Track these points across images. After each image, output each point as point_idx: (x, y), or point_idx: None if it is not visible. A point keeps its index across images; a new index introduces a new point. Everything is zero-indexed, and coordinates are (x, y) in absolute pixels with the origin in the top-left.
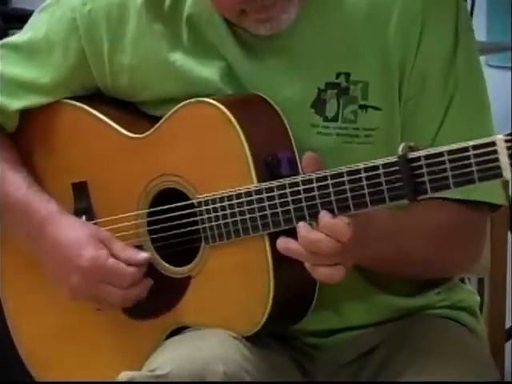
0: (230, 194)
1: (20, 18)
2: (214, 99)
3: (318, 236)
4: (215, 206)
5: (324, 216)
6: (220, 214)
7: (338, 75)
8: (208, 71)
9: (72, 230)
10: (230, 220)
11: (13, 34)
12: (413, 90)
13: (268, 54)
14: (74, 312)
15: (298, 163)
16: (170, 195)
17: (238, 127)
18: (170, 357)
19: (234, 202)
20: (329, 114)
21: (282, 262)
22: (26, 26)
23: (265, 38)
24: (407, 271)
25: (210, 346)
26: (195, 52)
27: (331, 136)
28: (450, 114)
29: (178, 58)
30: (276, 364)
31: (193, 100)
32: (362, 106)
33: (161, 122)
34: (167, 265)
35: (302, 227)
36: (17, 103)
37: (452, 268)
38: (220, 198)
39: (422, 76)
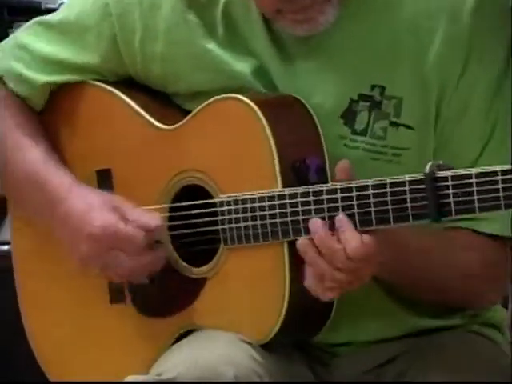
0: (253, 196)
1: (27, 10)
2: (246, 96)
3: (335, 244)
4: (237, 207)
5: (345, 224)
6: (241, 216)
7: (372, 87)
8: (241, 65)
9: (84, 199)
10: (250, 223)
11: (18, 27)
12: (452, 114)
13: (303, 55)
14: (88, 305)
15: (328, 172)
16: (193, 191)
17: (266, 127)
18: (178, 360)
19: (256, 205)
20: (358, 127)
21: (299, 272)
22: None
23: (301, 38)
24: (431, 297)
25: (219, 348)
26: (229, 45)
27: (357, 150)
28: (489, 146)
29: (213, 48)
30: (290, 370)
31: (224, 95)
32: (393, 123)
33: (191, 115)
34: (184, 263)
35: (320, 227)
36: (45, 77)
37: (478, 300)
38: (242, 200)
39: (464, 102)
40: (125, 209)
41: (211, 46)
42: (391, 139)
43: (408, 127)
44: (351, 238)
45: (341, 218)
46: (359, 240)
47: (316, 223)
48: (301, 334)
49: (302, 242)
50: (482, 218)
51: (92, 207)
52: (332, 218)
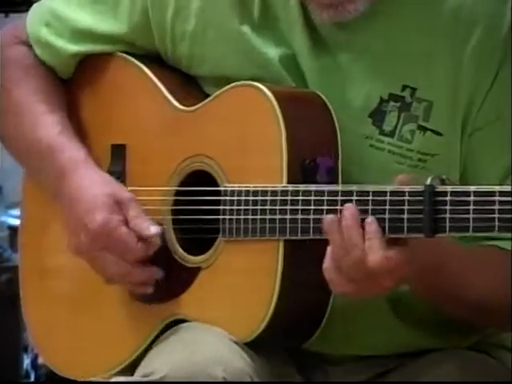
0: (256, 189)
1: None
2: (265, 86)
3: (358, 240)
4: (240, 198)
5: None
6: (242, 208)
7: (403, 88)
8: (273, 53)
9: (92, 186)
10: (250, 216)
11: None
12: (483, 121)
13: (336, 49)
14: (84, 282)
15: (339, 174)
16: (202, 177)
17: (280, 120)
18: (166, 360)
19: (259, 198)
20: (386, 128)
21: (293, 272)
22: None
23: (336, 30)
24: (466, 314)
25: (208, 348)
26: (263, 30)
27: (383, 152)
28: None
29: (247, 32)
30: (280, 372)
31: (244, 82)
32: (421, 128)
33: (209, 98)
34: (181, 250)
35: (352, 214)
36: (75, 47)
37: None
38: (245, 192)
39: (497, 107)
40: (129, 207)
41: (245, 28)
42: (418, 143)
43: (436, 133)
44: (375, 249)
45: (370, 221)
46: (381, 254)
47: (351, 208)
48: (288, 338)
49: (329, 218)
50: None
51: (96, 198)
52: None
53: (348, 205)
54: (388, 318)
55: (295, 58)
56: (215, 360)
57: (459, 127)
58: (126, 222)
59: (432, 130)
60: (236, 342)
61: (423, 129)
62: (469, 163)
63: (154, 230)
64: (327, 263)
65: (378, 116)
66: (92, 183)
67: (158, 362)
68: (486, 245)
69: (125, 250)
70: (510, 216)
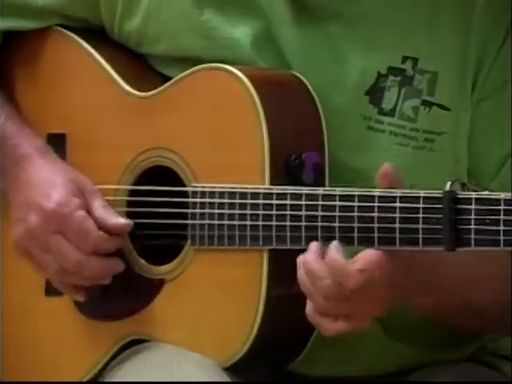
0: (234, 190)
1: None
2: (239, 69)
3: (320, 271)
4: (213, 200)
5: (332, 250)
6: (216, 211)
7: (404, 59)
8: (239, 31)
9: (50, 172)
10: (226, 222)
11: None
12: (489, 89)
13: (326, 19)
14: (24, 291)
15: (326, 170)
16: (160, 175)
17: (260, 110)
18: None
19: (237, 201)
20: (385, 107)
21: (279, 286)
22: None
23: None
24: (468, 323)
25: (188, 376)
26: (230, 7)
27: (383, 133)
28: None
29: (208, 11)
30: None
31: (212, 65)
32: (425, 103)
33: (169, 83)
34: (141, 260)
35: (312, 250)
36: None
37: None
38: (220, 193)
39: (504, 73)
40: (92, 198)
41: (206, 5)
42: (423, 121)
43: (443, 108)
44: (344, 272)
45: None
46: (353, 270)
47: (312, 246)
48: (273, 360)
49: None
50: None
51: (54, 182)
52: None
53: (310, 245)
54: (378, 336)
55: (271, 31)
56: None
57: (469, 99)
58: (87, 210)
59: (438, 105)
60: (214, 367)
61: (428, 104)
62: (474, 137)
63: (123, 220)
64: (308, 309)
65: (375, 93)
66: (51, 169)
67: None
68: None
69: (81, 235)
70: None
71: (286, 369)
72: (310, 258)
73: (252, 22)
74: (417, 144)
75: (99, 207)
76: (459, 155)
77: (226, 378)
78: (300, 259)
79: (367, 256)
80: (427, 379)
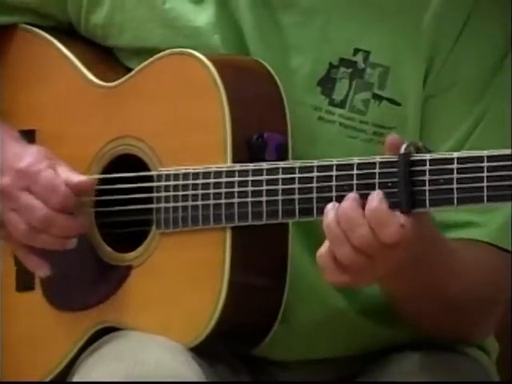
0: (197, 171)
1: None
2: (201, 53)
3: (359, 219)
4: (176, 183)
5: (376, 198)
6: (180, 193)
7: (355, 51)
8: (201, 20)
9: (21, 144)
10: (190, 203)
11: None
12: (437, 88)
13: (280, 8)
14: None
15: (289, 150)
16: (129, 162)
17: (222, 91)
18: (105, 372)
19: (200, 181)
20: (336, 97)
21: (243, 266)
22: None
23: None
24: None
25: (154, 359)
26: None
27: (333, 124)
28: (476, 133)
29: (169, 1)
30: (232, 379)
31: (175, 50)
32: (376, 96)
33: (133, 72)
34: (107, 247)
35: (351, 198)
36: None
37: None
38: (184, 175)
39: (453, 74)
40: (59, 164)
41: None
42: (373, 115)
43: (393, 102)
44: (388, 222)
45: (371, 197)
46: (397, 225)
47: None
48: (237, 343)
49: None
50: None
51: (25, 148)
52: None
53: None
54: (345, 314)
55: (234, 17)
56: (162, 372)
57: (420, 96)
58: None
59: (388, 99)
60: (179, 349)
61: (378, 98)
62: (422, 134)
63: (84, 177)
64: (323, 249)
65: (327, 84)
66: (25, 145)
67: (96, 373)
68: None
69: (51, 191)
70: (501, 183)
71: (249, 352)
72: (349, 206)
73: (215, 8)
74: (366, 137)
75: (64, 170)
76: None
77: (190, 361)
78: (329, 207)
79: (407, 219)
80: (399, 366)
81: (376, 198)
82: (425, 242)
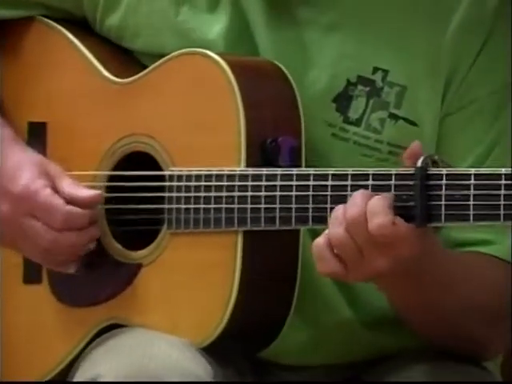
0: (210, 173)
1: None
2: (218, 54)
3: (357, 202)
4: (189, 183)
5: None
6: (192, 195)
7: (374, 70)
8: (214, 32)
9: (16, 158)
10: (202, 205)
11: None
12: (455, 106)
13: (301, 23)
14: (10, 284)
15: (303, 155)
16: (140, 160)
17: (237, 92)
18: (115, 365)
19: (213, 183)
20: (352, 116)
21: (254, 269)
22: None
23: (301, 3)
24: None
25: (162, 354)
26: (207, 6)
27: (347, 142)
28: (496, 151)
29: (184, 11)
30: (239, 379)
31: (190, 50)
32: (392, 116)
33: (148, 69)
34: (118, 245)
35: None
36: None
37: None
38: (197, 176)
39: (472, 92)
40: (59, 179)
41: (184, 7)
42: (388, 134)
43: (409, 122)
44: (379, 213)
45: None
46: (388, 218)
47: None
48: (246, 344)
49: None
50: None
51: (20, 165)
52: None
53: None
54: (349, 322)
55: (249, 29)
56: (170, 367)
57: (436, 116)
58: (54, 190)
59: (404, 119)
60: (188, 347)
61: (395, 117)
62: (439, 152)
63: (93, 191)
64: (320, 238)
65: (343, 101)
66: (17, 154)
67: (104, 366)
68: (470, 251)
69: (51, 213)
70: None
71: (257, 354)
72: (360, 191)
73: (229, 17)
74: (380, 156)
75: (67, 185)
76: None
77: (199, 358)
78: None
79: (403, 223)
80: (398, 371)
81: (382, 194)
82: (427, 257)
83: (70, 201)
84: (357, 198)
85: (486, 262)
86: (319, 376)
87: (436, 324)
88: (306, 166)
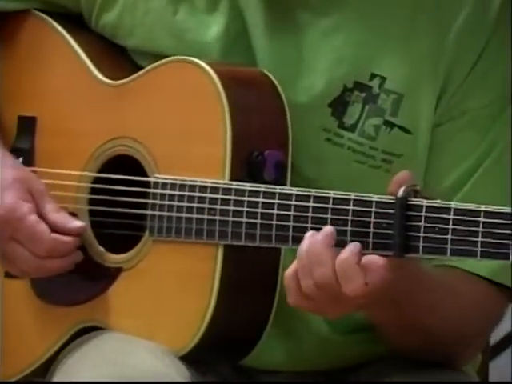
0: (194, 183)
1: None
2: (208, 63)
3: (324, 257)
4: (173, 192)
5: (350, 248)
6: (176, 204)
7: (372, 76)
8: (211, 33)
9: (2, 168)
10: (184, 215)
11: None
12: (446, 116)
13: (299, 27)
14: None
15: (289, 169)
16: (127, 164)
17: (225, 104)
18: (92, 373)
19: (196, 194)
20: (347, 121)
21: (233, 281)
22: None
23: (300, 8)
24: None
25: (141, 362)
26: (205, 9)
27: (341, 148)
28: (485, 167)
29: (182, 10)
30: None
31: (181, 58)
32: (387, 123)
33: (139, 73)
34: (99, 247)
35: (326, 233)
36: None
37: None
38: (181, 185)
39: (464, 103)
40: (43, 199)
41: (182, 7)
42: (383, 141)
43: (404, 130)
44: (354, 277)
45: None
46: (361, 282)
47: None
48: (226, 353)
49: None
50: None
51: (4, 186)
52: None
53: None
54: (326, 332)
55: (247, 34)
56: (151, 376)
57: (431, 125)
58: (39, 214)
59: (400, 127)
60: (167, 354)
61: (390, 125)
62: (430, 161)
63: (78, 223)
64: (290, 270)
65: (339, 106)
66: (2, 166)
67: (82, 373)
68: (449, 267)
69: (35, 241)
70: (494, 241)
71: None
72: (322, 241)
73: (226, 23)
74: (374, 163)
75: (52, 211)
76: (416, 179)
77: (178, 364)
78: (308, 235)
79: (377, 272)
80: (377, 376)
81: (350, 249)
82: (405, 282)
83: (55, 229)
84: (323, 256)
85: (463, 280)
86: (292, 378)
87: (414, 341)
88: (299, 172)
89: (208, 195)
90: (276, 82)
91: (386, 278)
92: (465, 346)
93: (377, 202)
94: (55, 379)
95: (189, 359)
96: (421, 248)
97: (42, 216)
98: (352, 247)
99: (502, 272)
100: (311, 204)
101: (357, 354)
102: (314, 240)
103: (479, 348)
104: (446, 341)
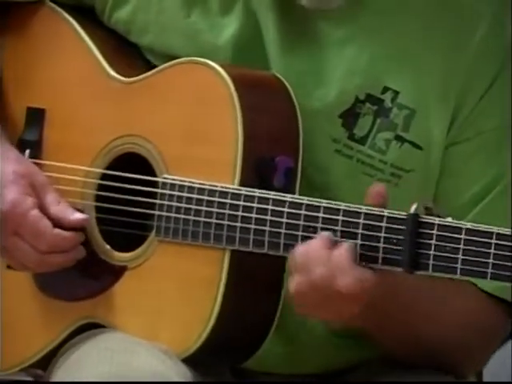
0: (203, 186)
1: None
2: (221, 65)
3: (321, 258)
4: (181, 194)
5: (344, 247)
6: (183, 205)
7: (384, 90)
8: (224, 36)
9: (4, 163)
10: (192, 217)
11: None
12: (461, 136)
13: (313, 37)
14: None
15: (298, 177)
16: (135, 162)
17: (238, 108)
18: (94, 373)
19: (205, 197)
20: (357, 133)
21: (238, 287)
22: None
23: (315, 18)
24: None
25: (143, 363)
26: (219, 8)
27: (351, 160)
28: (495, 191)
29: (196, 12)
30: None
31: (195, 59)
32: (398, 138)
33: (152, 71)
34: (105, 244)
35: (324, 237)
36: None
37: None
38: (189, 188)
39: (479, 124)
40: (44, 193)
41: (195, 9)
42: (393, 156)
43: (415, 146)
44: (347, 270)
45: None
46: (355, 275)
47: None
48: (227, 357)
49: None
50: None
51: (6, 175)
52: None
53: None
54: (322, 333)
55: (260, 39)
56: (152, 377)
57: (442, 142)
58: (41, 207)
59: (411, 143)
60: (169, 355)
61: (401, 140)
62: (442, 181)
63: (80, 215)
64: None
65: (349, 118)
66: (4, 165)
67: (86, 372)
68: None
69: (37, 237)
70: (506, 264)
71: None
72: (316, 244)
73: (240, 27)
74: (383, 176)
75: (53, 203)
76: (424, 195)
77: (179, 366)
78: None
79: (369, 273)
80: (374, 376)
81: (345, 246)
82: (388, 292)
83: (57, 223)
84: (318, 253)
85: (459, 290)
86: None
87: (408, 350)
88: (307, 181)
89: (217, 199)
90: (289, 87)
91: (377, 284)
92: (463, 356)
93: (388, 217)
94: (57, 375)
95: (190, 361)
96: (431, 266)
97: (43, 209)
98: (347, 244)
99: (502, 288)
100: (321, 215)
101: (355, 356)
102: (311, 242)
103: (482, 361)
104: (443, 349)
